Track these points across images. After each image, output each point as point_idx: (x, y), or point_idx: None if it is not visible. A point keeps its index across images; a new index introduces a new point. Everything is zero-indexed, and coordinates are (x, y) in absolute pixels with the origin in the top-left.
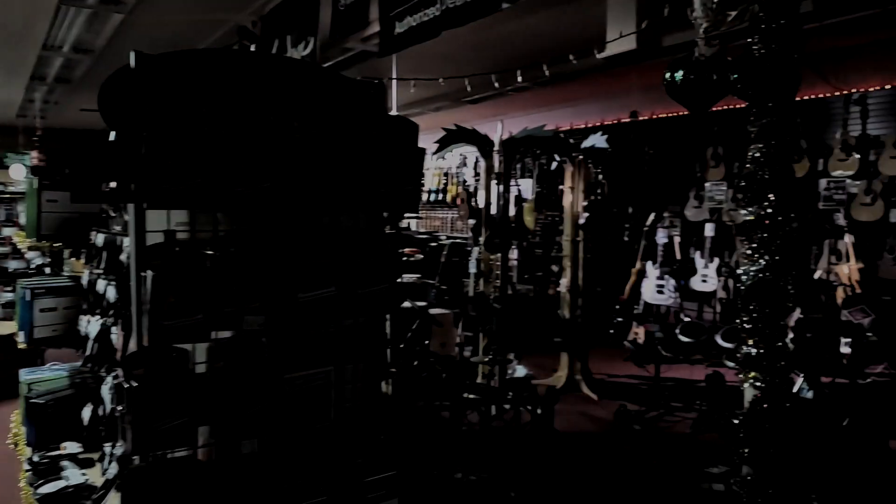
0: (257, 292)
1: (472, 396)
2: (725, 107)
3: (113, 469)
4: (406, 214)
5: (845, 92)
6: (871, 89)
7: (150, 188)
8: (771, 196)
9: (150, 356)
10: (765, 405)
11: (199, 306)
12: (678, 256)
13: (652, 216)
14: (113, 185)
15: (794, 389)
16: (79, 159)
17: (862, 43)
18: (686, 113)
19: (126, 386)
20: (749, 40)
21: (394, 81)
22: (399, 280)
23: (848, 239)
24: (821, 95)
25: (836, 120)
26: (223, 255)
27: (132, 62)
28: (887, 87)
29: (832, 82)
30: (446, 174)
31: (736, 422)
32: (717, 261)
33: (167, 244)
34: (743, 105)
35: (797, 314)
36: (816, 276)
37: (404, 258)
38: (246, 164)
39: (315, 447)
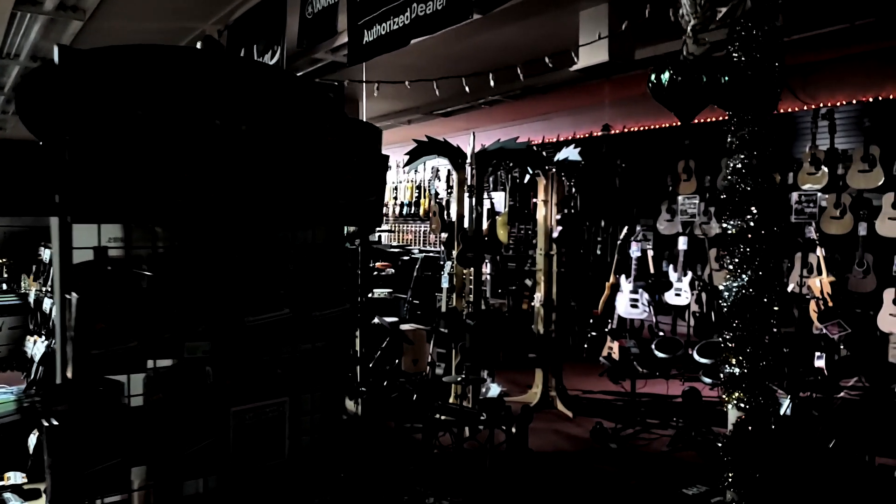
0: (200, 316)
1: (444, 418)
2: (697, 120)
3: None
4: (370, 228)
5: (813, 106)
6: (839, 104)
7: (75, 199)
8: (753, 209)
9: (74, 389)
10: (749, 427)
11: (133, 332)
12: (651, 270)
13: (625, 230)
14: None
15: (781, 412)
16: None
17: (829, 58)
18: (658, 126)
19: (46, 425)
20: (730, 48)
21: (363, 93)
22: (362, 299)
23: (819, 252)
24: (790, 110)
25: (804, 134)
26: (162, 274)
27: (55, 57)
28: (854, 101)
29: (801, 97)
30: (419, 187)
31: (719, 444)
32: (690, 274)
33: (97, 262)
34: (714, 119)
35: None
36: (789, 289)
37: (376, 272)
38: (187, 173)
39: (267, 487)
